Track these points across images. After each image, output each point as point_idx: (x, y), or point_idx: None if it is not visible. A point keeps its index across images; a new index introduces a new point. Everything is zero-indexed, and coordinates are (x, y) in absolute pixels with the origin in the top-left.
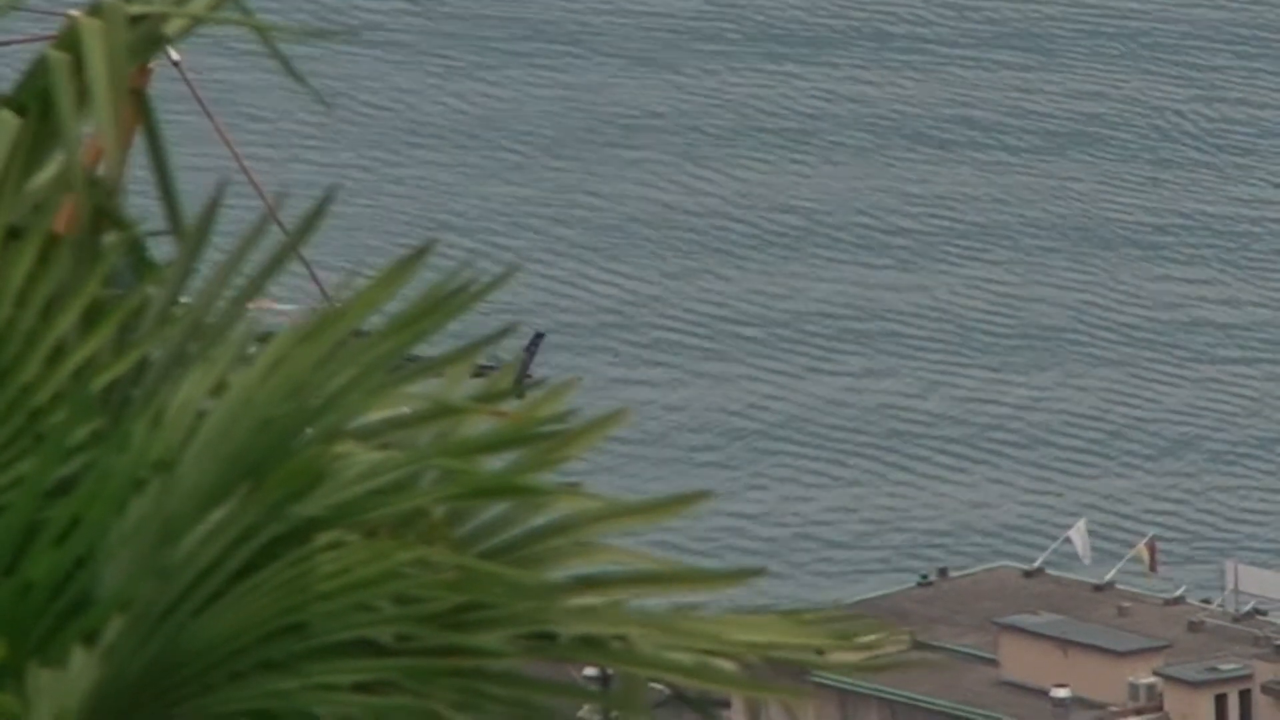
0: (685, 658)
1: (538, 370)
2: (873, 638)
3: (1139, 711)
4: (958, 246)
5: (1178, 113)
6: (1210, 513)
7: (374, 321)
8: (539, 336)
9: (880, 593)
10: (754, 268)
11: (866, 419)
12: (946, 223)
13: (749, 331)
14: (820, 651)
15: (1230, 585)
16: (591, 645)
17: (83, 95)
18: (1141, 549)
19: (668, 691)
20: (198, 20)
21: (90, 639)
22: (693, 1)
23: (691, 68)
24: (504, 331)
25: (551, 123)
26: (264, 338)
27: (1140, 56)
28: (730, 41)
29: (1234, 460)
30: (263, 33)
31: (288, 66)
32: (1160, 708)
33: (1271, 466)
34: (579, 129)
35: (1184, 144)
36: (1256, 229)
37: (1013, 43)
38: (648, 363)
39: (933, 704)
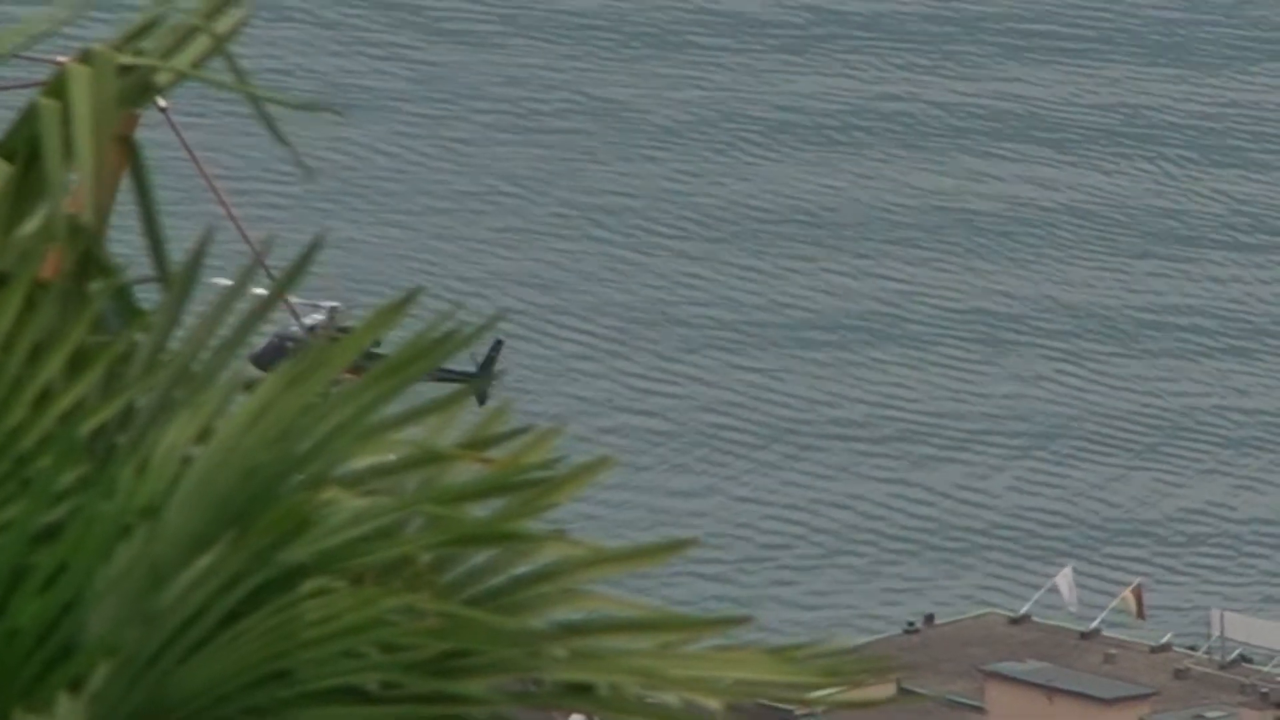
0: (672, 700)
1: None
2: (860, 676)
3: None
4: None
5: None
6: (1197, 560)
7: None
8: (498, 343)
9: (866, 639)
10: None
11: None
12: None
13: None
14: (807, 689)
15: (1216, 632)
16: (578, 692)
17: (70, 143)
18: (1128, 595)
19: None
20: (186, 76)
21: (76, 685)
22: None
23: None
24: (491, 376)
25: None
26: (250, 385)
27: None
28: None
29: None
30: (249, 97)
31: (275, 133)
32: None
33: (1260, 511)
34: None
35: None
36: None
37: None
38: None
39: None
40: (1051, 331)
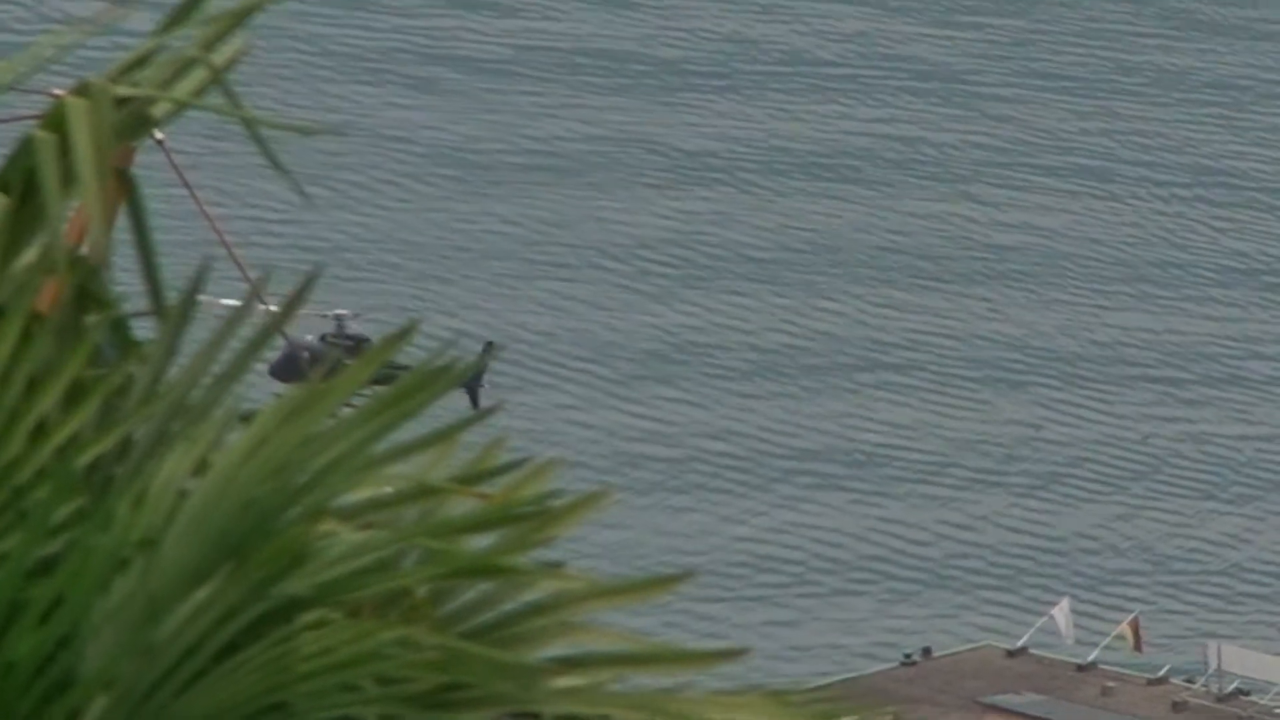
0: None
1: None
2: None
3: None
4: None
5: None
6: (1194, 592)
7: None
8: (489, 345)
9: (863, 671)
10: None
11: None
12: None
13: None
14: None
15: (1214, 665)
16: None
17: (67, 175)
18: (1125, 628)
19: None
20: (183, 106)
21: (74, 719)
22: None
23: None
24: (488, 410)
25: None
26: (247, 417)
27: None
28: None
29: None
30: (247, 123)
31: (271, 157)
32: None
33: (1258, 546)
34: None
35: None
36: None
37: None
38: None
39: None
40: (1049, 367)
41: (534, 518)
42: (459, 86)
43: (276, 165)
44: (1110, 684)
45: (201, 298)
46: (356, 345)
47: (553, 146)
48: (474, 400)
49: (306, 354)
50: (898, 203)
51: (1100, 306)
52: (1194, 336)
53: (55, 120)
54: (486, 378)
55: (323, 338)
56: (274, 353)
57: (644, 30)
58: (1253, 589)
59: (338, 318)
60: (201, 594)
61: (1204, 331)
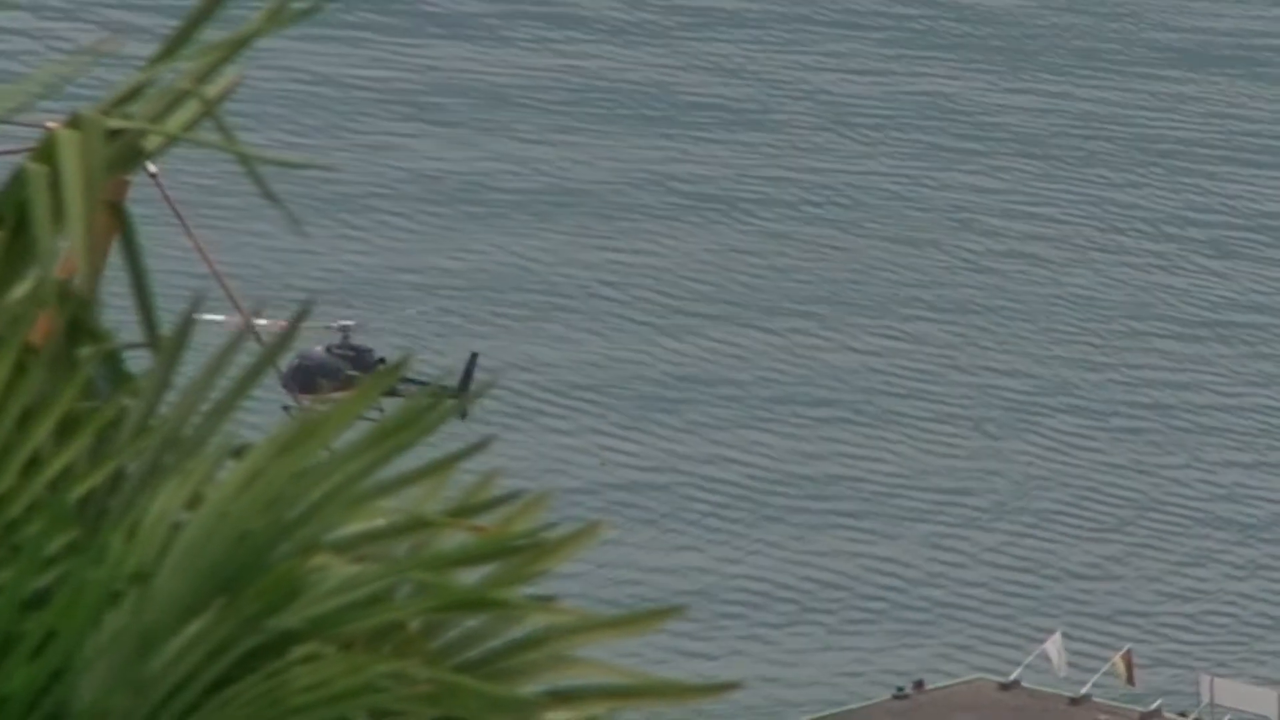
0: None
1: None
2: None
3: None
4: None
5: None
6: (1187, 625)
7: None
8: (474, 356)
9: (855, 705)
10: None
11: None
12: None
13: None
14: None
15: (1206, 698)
16: None
17: (59, 208)
18: (1118, 661)
19: None
20: (175, 138)
21: None
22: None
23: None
24: (479, 444)
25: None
26: (240, 451)
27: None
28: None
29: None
30: (240, 157)
31: (265, 189)
32: None
33: (1248, 574)
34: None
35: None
36: None
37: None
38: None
39: None
40: (1041, 405)
41: (527, 551)
42: (458, 117)
43: (270, 197)
44: (1102, 717)
45: (203, 317)
46: (360, 357)
47: (557, 179)
48: (462, 416)
49: (313, 364)
50: (890, 243)
51: (1091, 345)
52: (1183, 376)
53: (47, 152)
54: (475, 388)
55: (329, 349)
56: (287, 362)
57: (650, 65)
58: (1245, 623)
59: (343, 329)
60: (194, 627)
61: (1191, 371)
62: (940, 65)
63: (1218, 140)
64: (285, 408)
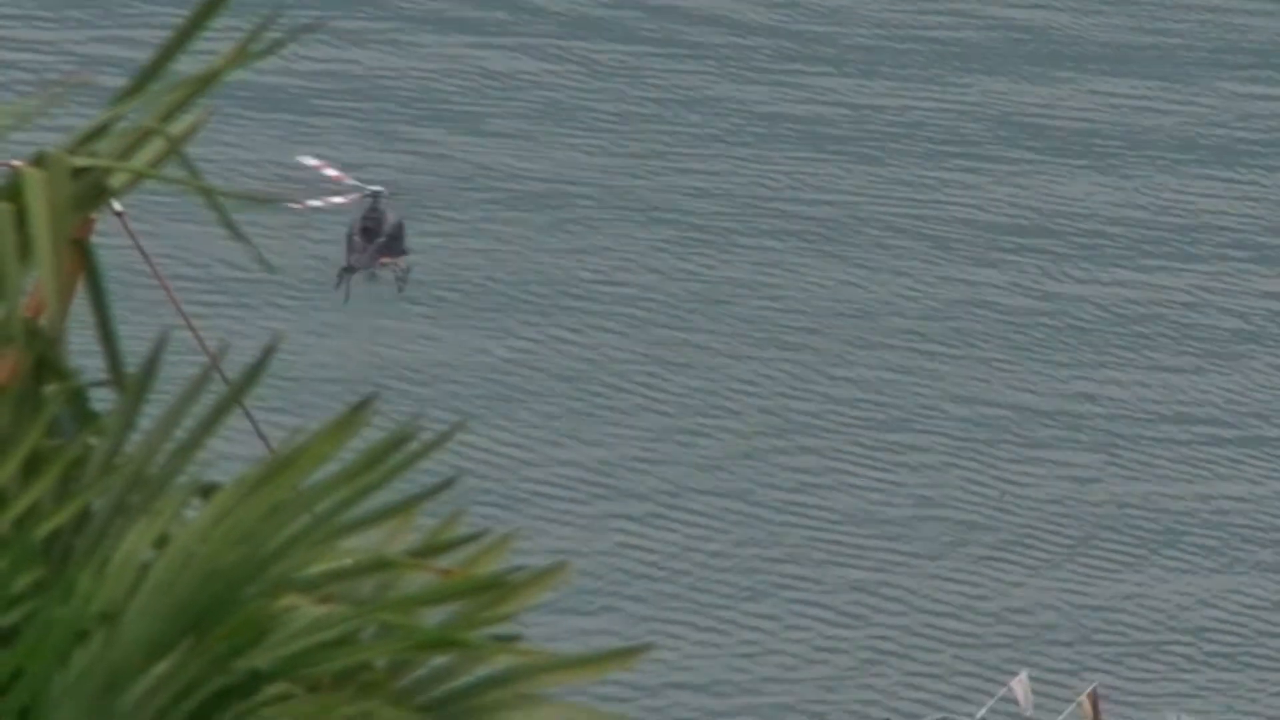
0: None
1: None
2: None
3: None
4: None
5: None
6: (1155, 659)
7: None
8: (376, 194)
9: None
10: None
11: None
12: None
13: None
14: None
15: None
16: None
17: (25, 246)
18: (1084, 701)
19: None
20: (142, 176)
21: None
22: None
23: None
24: (445, 483)
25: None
26: (207, 490)
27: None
28: None
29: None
30: (206, 194)
31: (232, 227)
32: None
33: (1220, 612)
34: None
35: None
36: None
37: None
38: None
39: None
40: (1008, 431)
41: (492, 591)
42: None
43: (237, 235)
44: None
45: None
46: (385, 221)
47: (559, 181)
48: (401, 288)
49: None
50: (893, 273)
51: (1060, 365)
52: (1147, 398)
53: (12, 190)
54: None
55: (363, 223)
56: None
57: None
58: (1214, 657)
59: (373, 194)
60: (162, 667)
61: (1153, 394)
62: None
63: None
64: (347, 270)
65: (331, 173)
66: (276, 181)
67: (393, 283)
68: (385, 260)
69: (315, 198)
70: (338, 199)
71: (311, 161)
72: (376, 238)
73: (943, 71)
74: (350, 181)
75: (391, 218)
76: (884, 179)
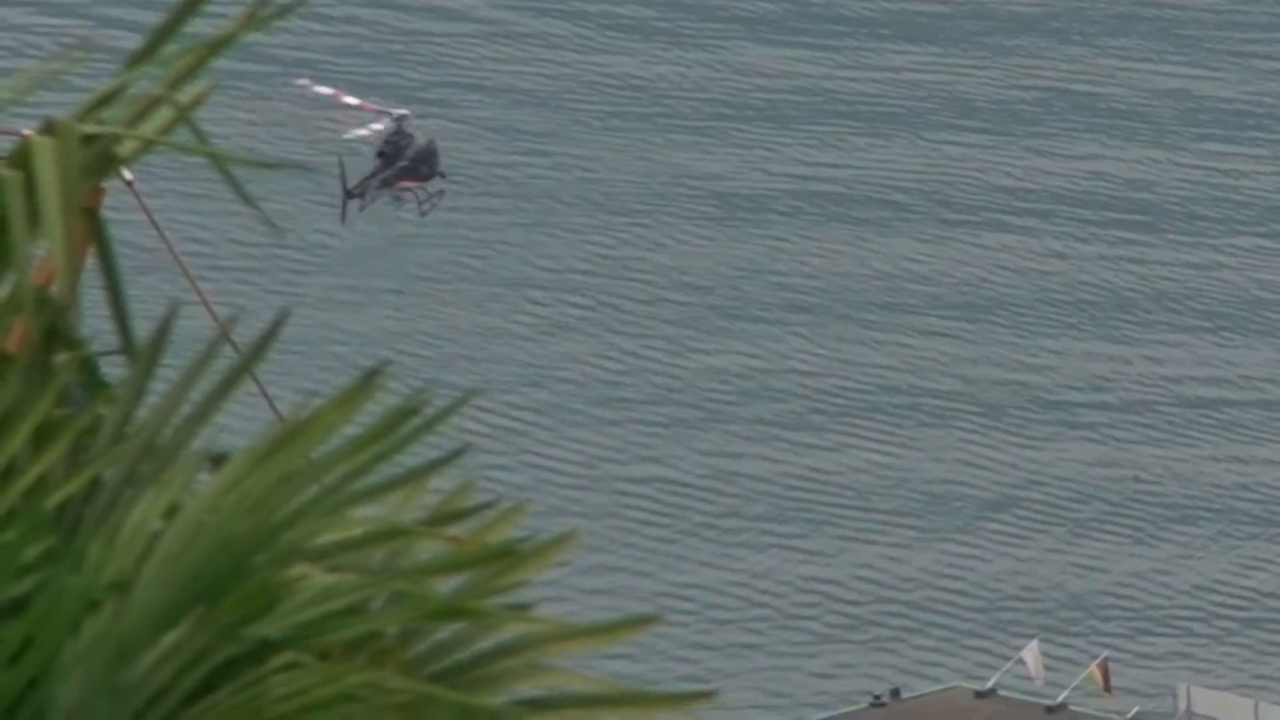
0: None
1: None
2: None
3: None
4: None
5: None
6: (1164, 631)
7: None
8: (402, 117)
9: (832, 713)
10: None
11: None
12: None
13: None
14: None
15: (1184, 706)
16: None
17: (34, 214)
18: (1094, 669)
19: None
20: (151, 143)
21: None
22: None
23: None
24: (456, 453)
25: None
26: (217, 459)
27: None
28: None
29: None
30: (215, 160)
31: (241, 193)
32: None
33: (1228, 586)
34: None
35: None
36: None
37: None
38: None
39: None
40: (1020, 408)
41: (503, 560)
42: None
43: (246, 200)
44: None
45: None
46: (410, 144)
47: (591, 181)
48: (343, 219)
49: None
50: (887, 243)
51: (1074, 340)
52: (1162, 373)
53: (22, 159)
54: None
55: (382, 146)
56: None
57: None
58: (1222, 630)
59: (399, 118)
60: (172, 636)
61: (1171, 369)
62: None
63: None
64: (348, 194)
65: (350, 100)
66: (299, 107)
67: (415, 206)
68: (408, 184)
69: (350, 129)
70: (375, 125)
71: (326, 91)
72: (396, 162)
73: None
74: (373, 108)
75: (420, 140)
76: None
